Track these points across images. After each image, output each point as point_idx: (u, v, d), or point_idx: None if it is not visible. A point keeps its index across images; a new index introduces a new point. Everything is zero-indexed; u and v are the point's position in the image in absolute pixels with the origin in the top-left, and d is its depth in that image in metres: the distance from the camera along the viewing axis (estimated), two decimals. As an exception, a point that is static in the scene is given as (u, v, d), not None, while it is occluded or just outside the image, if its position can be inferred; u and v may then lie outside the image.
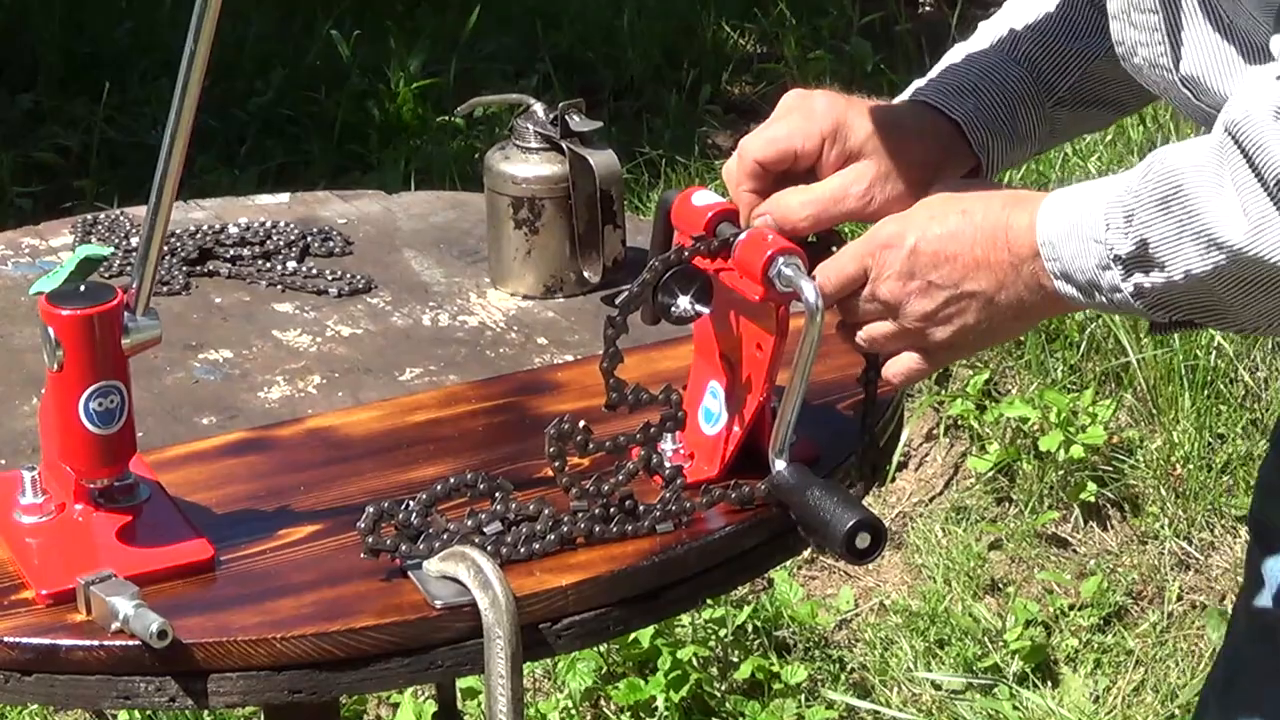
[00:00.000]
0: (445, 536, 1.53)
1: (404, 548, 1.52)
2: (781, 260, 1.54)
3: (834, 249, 1.63)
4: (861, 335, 1.57)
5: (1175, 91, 1.54)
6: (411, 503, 1.54)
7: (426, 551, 1.52)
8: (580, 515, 1.56)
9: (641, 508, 1.58)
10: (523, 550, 1.54)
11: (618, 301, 1.57)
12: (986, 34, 1.75)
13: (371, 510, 1.52)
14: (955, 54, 1.75)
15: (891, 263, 1.52)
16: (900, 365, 1.58)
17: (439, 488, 1.55)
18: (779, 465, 1.58)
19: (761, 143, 1.62)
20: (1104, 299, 1.47)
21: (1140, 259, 1.43)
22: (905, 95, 1.72)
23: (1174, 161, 1.41)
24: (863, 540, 1.51)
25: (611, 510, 1.57)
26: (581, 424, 1.57)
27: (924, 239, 1.52)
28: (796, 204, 1.59)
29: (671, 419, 1.61)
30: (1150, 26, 1.53)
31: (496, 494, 1.56)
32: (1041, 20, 1.72)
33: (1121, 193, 1.44)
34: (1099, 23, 1.64)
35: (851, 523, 1.51)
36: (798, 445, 1.60)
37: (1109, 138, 4.40)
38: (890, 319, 1.55)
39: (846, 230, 1.71)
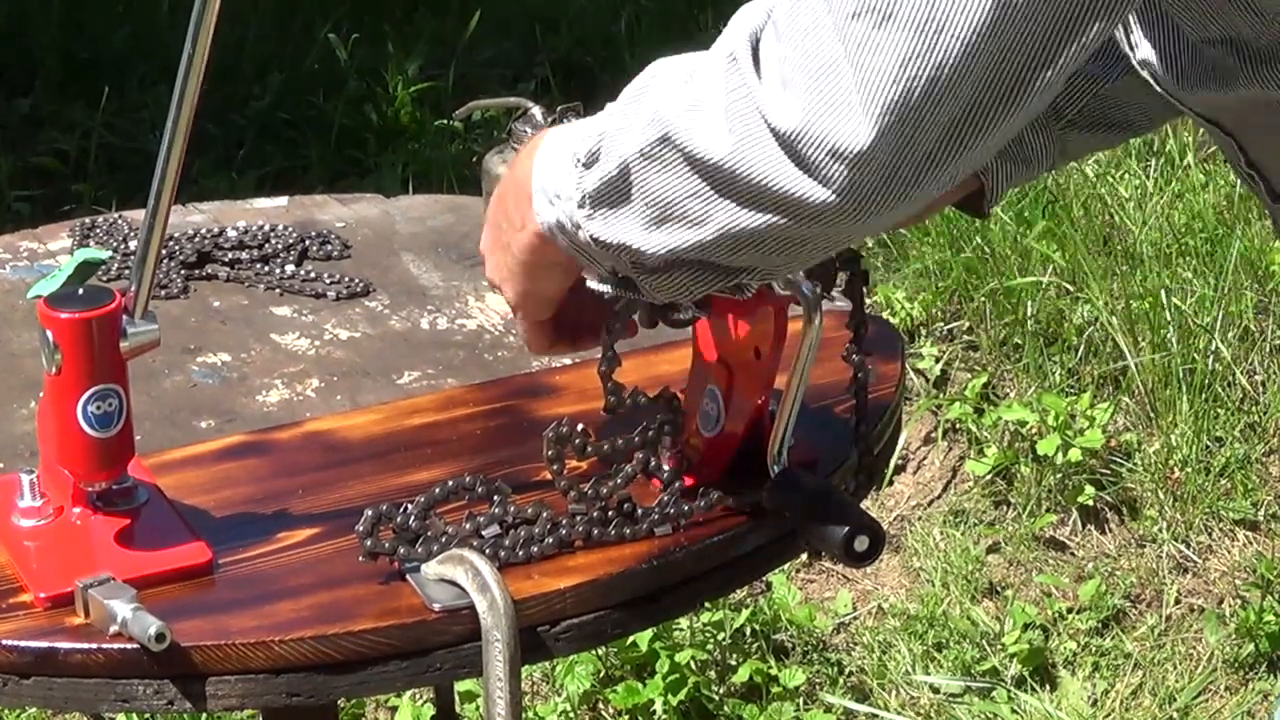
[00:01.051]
0: (443, 540, 1.53)
1: (402, 551, 1.52)
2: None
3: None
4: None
5: None
6: (410, 506, 1.54)
7: (425, 555, 1.52)
8: (578, 518, 1.57)
9: (640, 511, 1.58)
10: (521, 553, 1.54)
11: (615, 305, 1.57)
12: None
13: (370, 513, 1.52)
14: None
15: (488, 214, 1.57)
16: None
17: (437, 491, 1.55)
18: (777, 469, 1.58)
19: None
20: (564, 214, 1.44)
21: (593, 154, 1.41)
22: None
23: (657, 65, 1.41)
24: (861, 543, 1.51)
25: (610, 513, 1.57)
26: (580, 427, 1.58)
27: (500, 188, 1.54)
28: None
29: (670, 422, 1.62)
30: None
31: (495, 497, 1.56)
32: None
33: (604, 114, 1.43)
34: (1111, 45, 1.63)
35: (850, 526, 1.51)
36: (795, 448, 1.60)
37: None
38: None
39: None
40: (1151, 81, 1.54)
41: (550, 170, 1.46)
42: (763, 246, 1.36)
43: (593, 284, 1.49)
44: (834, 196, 1.29)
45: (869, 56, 1.26)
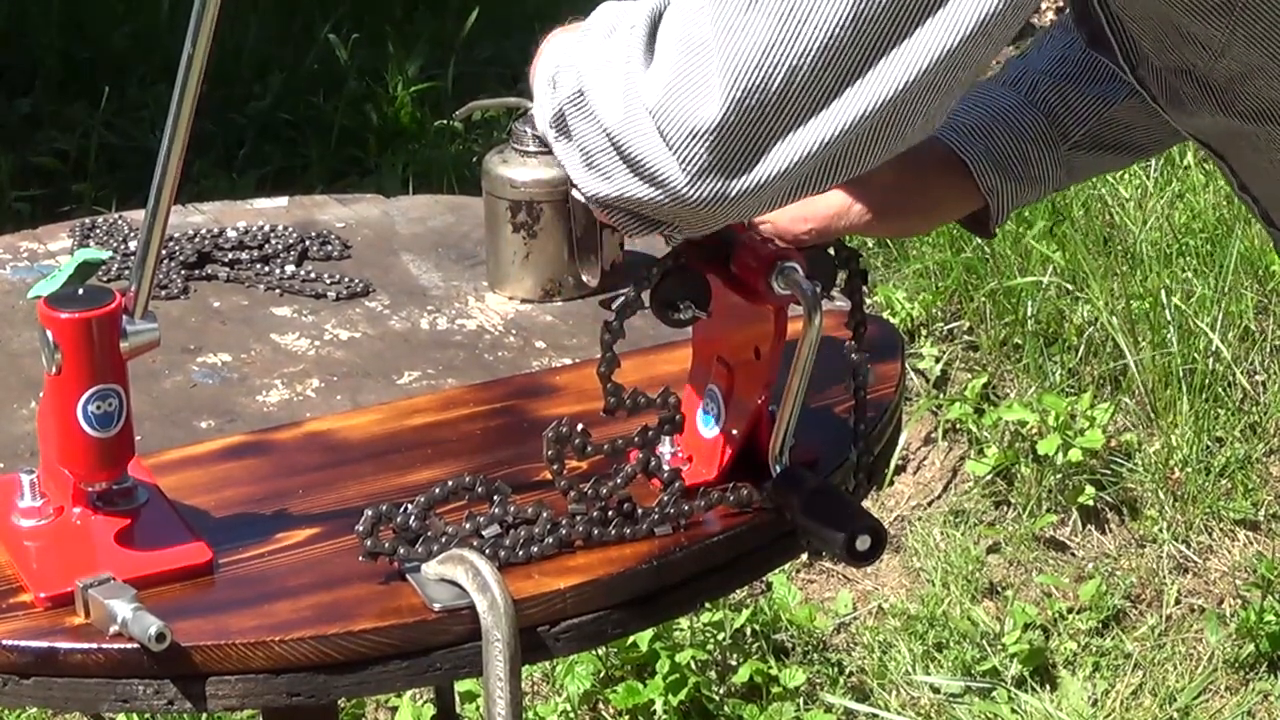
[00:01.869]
0: (443, 539, 1.53)
1: (402, 551, 1.52)
2: (781, 264, 1.54)
3: (831, 252, 1.63)
4: None
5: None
6: (410, 506, 1.54)
7: (425, 554, 1.52)
8: (578, 518, 1.57)
9: (640, 511, 1.58)
10: (521, 553, 1.54)
11: (614, 306, 1.57)
12: (1007, 73, 1.74)
13: (370, 513, 1.52)
14: (972, 95, 1.74)
15: None
16: None
17: (437, 491, 1.55)
18: (779, 468, 1.58)
19: None
20: (544, 129, 1.46)
21: (554, 82, 1.44)
22: None
23: (606, 6, 1.43)
24: (863, 543, 1.51)
25: (610, 513, 1.57)
26: (580, 427, 1.58)
27: None
28: (798, 216, 1.60)
29: (670, 422, 1.61)
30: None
31: (495, 497, 1.56)
32: (1061, 64, 1.71)
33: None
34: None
35: (851, 526, 1.51)
36: (796, 448, 1.60)
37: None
38: None
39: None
40: (1148, 98, 1.54)
41: (538, 77, 1.49)
42: (658, 213, 1.38)
43: (575, 193, 1.50)
44: (685, 178, 1.31)
45: (734, 38, 1.27)
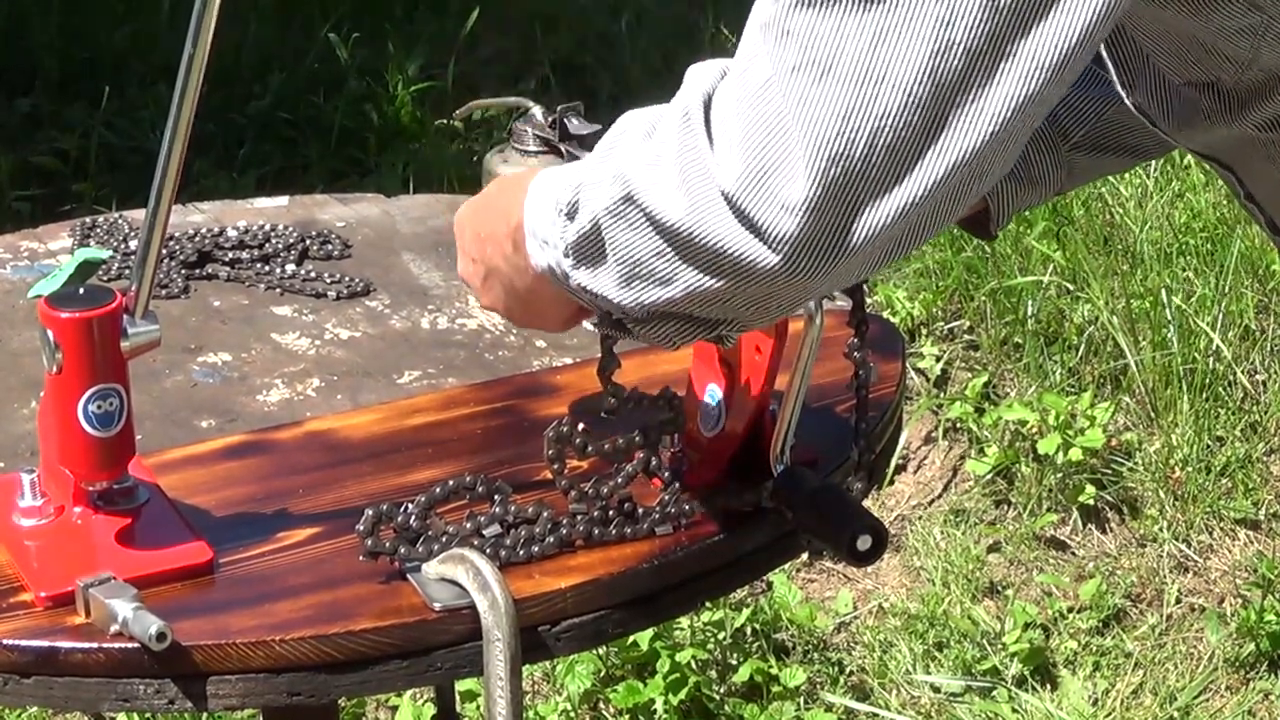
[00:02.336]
0: (444, 539, 1.53)
1: (403, 550, 1.52)
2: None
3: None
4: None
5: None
6: (410, 505, 1.54)
7: (425, 554, 1.52)
8: (579, 518, 1.57)
9: (640, 510, 1.58)
10: (521, 553, 1.54)
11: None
12: None
13: (370, 513, 1.52)
14: None
15: (460, 245, 1.62)
16: None
17: (438, 490, 1.55)
18: (780, 468, 1.58)
19: None
20: (553, 261, 1.43)
21: (573, 205, 1.40)
22: None
23: (629, 116, 1.40)
24: (864, 543, 1.51)
25: (610, 513, 1.57)
26: (580, 427, 1.58)
27: (462, 213, 1.59)
28: None
29: (670, 422, 1.62)
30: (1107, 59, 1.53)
31: (495, 496, 1.56)
32: None
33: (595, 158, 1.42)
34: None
35: (853, 525, 1.51)
36: (796, 447, 1.60)
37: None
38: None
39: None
40: (1147, 122, 1.54)
41: (538, 215, 1.45)
42: (731, 303, 1.34)
43: (588, 324, 1.48)
44: (779, 257, 1.27)
45: (810, 110, 1.24)
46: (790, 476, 1.57)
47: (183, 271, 2.05)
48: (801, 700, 3.09)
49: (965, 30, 1.21)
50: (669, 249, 1.32)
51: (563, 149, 1.97)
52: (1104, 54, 1.50)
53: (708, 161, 1.28)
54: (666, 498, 1.59)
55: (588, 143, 1.98)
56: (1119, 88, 1.55)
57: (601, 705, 3.07)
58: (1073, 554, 3.43)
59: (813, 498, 1.55)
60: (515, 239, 1.49)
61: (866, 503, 1.65)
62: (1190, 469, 3.49)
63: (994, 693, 3.13)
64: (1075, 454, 3.45)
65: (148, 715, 2.67)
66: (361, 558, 1.52)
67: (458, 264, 1.61)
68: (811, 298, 1.37)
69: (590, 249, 1.39)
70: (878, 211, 1.25)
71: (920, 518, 3.49)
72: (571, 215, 1.40)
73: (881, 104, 1.23)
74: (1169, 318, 3.68)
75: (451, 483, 1.55)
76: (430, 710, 2.95)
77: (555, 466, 1.58)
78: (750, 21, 1.29)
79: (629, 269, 1.36)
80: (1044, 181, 1.72)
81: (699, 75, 1.33)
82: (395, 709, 3.02)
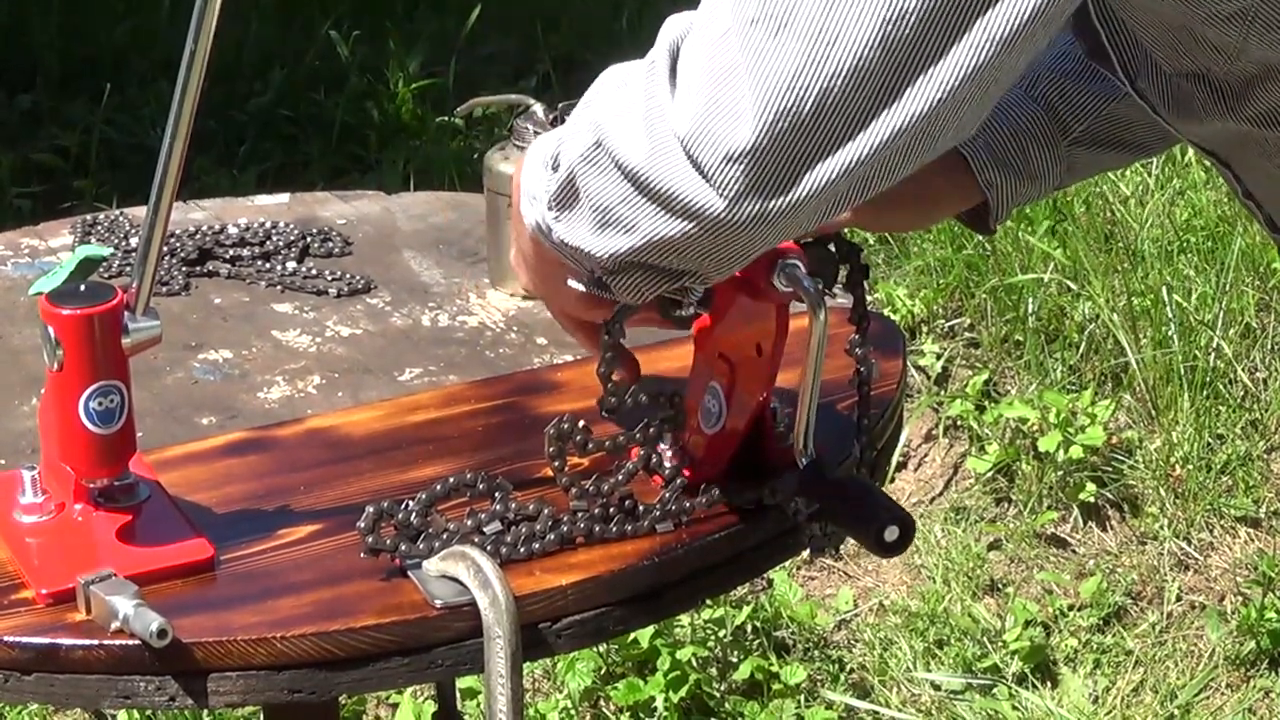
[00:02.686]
0: (445, 536, 1.53)
1: (404, 547, 1.52)
2: (782, 261, 1.54)
3: (832, 248, 1.63)
4: None
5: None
6: (411, 502, 1.54)
7: (426, 551, 1.52)
8: (580, 515, 1.57)
9: (641, 507, 1.58)
10: (522, 550, 1.54)
11: (614, 307, 1.57)
12: None
13: (371, 510, 1.52)
14: None
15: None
16: None
17: (439, 487, 1.55)
18: (804, 461, 1.58)
19: None
20: (540, 216, 1.46)
21: (555, 158, 1.43)
22: None
23: (611, 69, 1.43)
24: (891, 534, 1.51)
25: (611, 510, 1.57)
26: (581, 424, 1.58)
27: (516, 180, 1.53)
28: None
29: (671, 419, 1.62)
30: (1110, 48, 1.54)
31: (496, 494, 1.56)
32: (1061, 60, 1.71)
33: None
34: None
35: (880, 517, 1.51)
36: (791, 448, 1.60)
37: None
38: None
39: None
40: (1148, 109, 1.54)
41: (530, 172, 1.47)
42: (687, 253, 1.36)
43: (571, 282, 1.49)
44: (724, 203, 1.30)
45: (764, 62, 1.26)
46: (815, 468, 1.57)
47: (184, 269, 2.05)
48: (802, 698, 3.09)
49: None
50: (633, 193, 1.35)
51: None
52: (1105, 42, 1.51)
53: (666, 108, 1.31)
54: (667, 495, 1.59)
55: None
56: (1120, 75, 1.55)
57: (602, 703, 3.07)
58: (1073, 552, 3.43)
59: (839, 489, 1.55)
60: (517, 201, 1.52)
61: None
62: (1191, 467, 3.49)
63: (994, 690, 3.13)
64: (1076, 451, 3.45)
65: (149, 712, 2.67)
66: (362, 555, 1.52)
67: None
68: (759, 248, 1.38)
69: (567, 198, 1.41)
70: (823, 167, 1.28)
71: (921, 515, 3.49)
72: (555, 168, 1.42)
73: (833, 64, 1.25)
74: (1170, 315, 3.68)
75: (452, 480, 1.56)
76: (431, 707, 2.95)
77: (556, 463, 1.58)
78: None
79: (600, 216, 1.38)
80: (1043, 177, 1.72)
81: (670, 26, 1.36)
82: (396, 706, 3.03)
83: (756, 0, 1.27)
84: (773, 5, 1.26)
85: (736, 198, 1.29)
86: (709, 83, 1.29)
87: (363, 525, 1.51)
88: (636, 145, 1.33)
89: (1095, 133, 1.71)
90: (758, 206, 1.30)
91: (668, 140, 1.31)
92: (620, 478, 1.58)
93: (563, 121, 1.96)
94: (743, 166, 1.28)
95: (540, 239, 1.48)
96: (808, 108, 1.26)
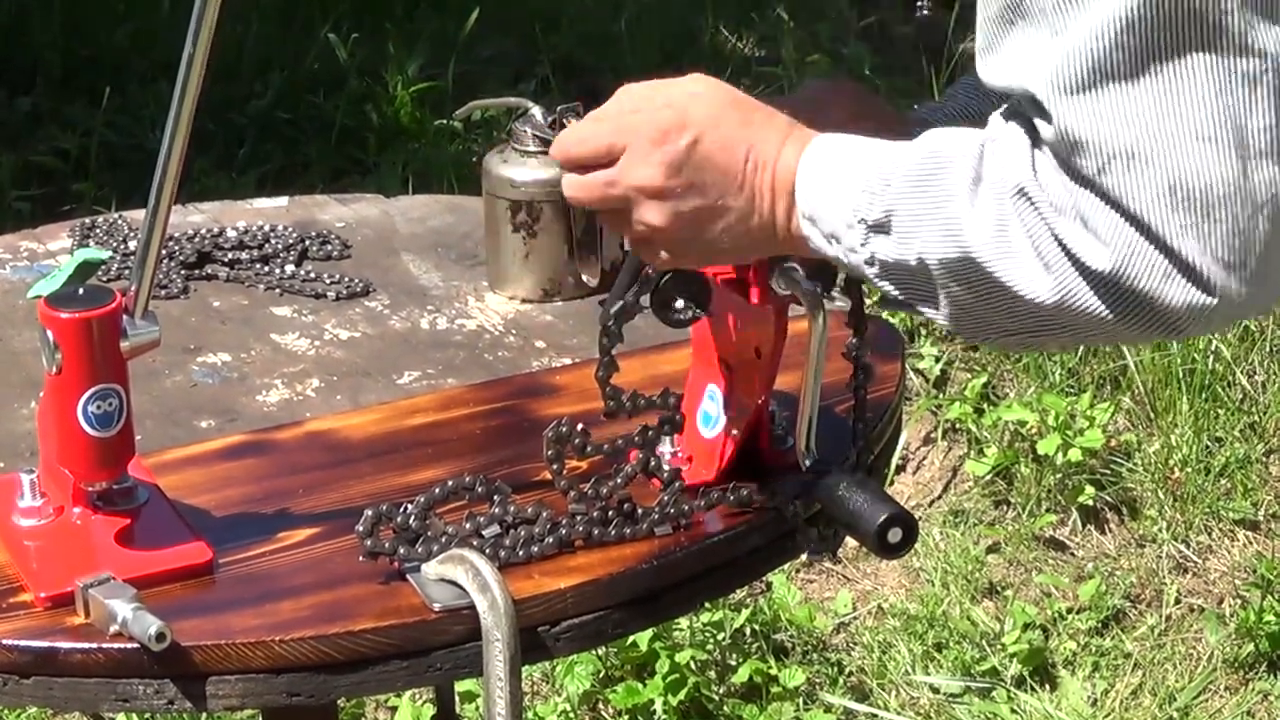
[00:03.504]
0: (444, 539, 1.53)
1: (402, 551, 1.52)
2: (781, 264, 1.54)
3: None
4: (586, 203, 1.52)
5: None
6: (410, 506, 1.54)
7: (425, 554, 1.52)
8: (579, 518, 1.57)
9: (640, 511, 1.58)
10: (521, 553, 1.54)
11: (613, 310, 1.57)
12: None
13: (370, 513, 1.52)
14: (960, 83, 1.74)
15: (663, 151, 1.47)
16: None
17: (437, 490, 1.55)
18: (808, 462, 1.58)
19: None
20: (840, 254, 1.45)
21: (883, 227, 1.42)
22: (913, 114, 1.72)
23: (942, 145, 1.41)
24: (895, 535, 1.52)
25: (610, 513, 1.57)
26: (579, 427, 1.58)
27: (707, 139, 1.46)
28: None
29: (669, 422, 1.62)
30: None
31: (495, 497, 1.56)
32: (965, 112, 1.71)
33: (885, 159, 1.43)
34: None
35: (883, 517, 1.51)
36: (790, 450, 1.60)
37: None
38: (632, 204, 1.49)
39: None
40: None
41: (825, 202, 1.45)
42: (1077, 336, 1.40)
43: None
44: (1213, 302, 1.33)
45: (1146, 194, 1.31)
46: (820, 469, 1.57)
47: (182, 272, 2.05)
48: (801, 701, 3.09)
49: (1233, 56, 1.28)
50: (1025, 313, 1.37)
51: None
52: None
53: (1076, 247, 1.33)
54: (666, 498, 1.59)
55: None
56: None
57: (601, 706, 3.07)
58: (1072, 554, 3.43)
59: (844, 490, 1.55)
60: (775, 190, 1.47)
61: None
62: (1189, 470, 3.49)
63: (993, 693, 3.13)
64: (1074, 454, 3.45)
65: (147, 715, 2.67)
66: (361, 558, 1.52)
67: (641, 171, 1.47)
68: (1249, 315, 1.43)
69: (911, 279, 1.42)
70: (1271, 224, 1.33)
71: (920, 518, 3.49)
72: (879, 230, 1.42)
73: (1194, 160, 1.29)
74: (1168, 318, 3.67)
75: (451, 483, 1.56)
76: (429, 711, 2.95)
77: (554, 467, 1.58)
78: (1035, 79, 1.32)
79: (963, 312, 1.41)
80: None
81: (1013, 134, 1.36)
82: (394, 709, 3.02)
83: (1093, 139, 1.30)
84: (1114, 141, 1.30)
85: (1228, 310, 1.34)
86: (1115, 227, 1.32)
87: (361, 528, 1.51)
88: (1036, 279, 1.35)
89: None
90: (1252, 293, 1.34)
91: (1077, 278, 1.34)
92: (619, 481, 1.58)
93: (562, 125, 1.97)
94: (1222, 286, 1.32)
95: (819, 254, 1.47)
96: (1210, 210, 1.31)
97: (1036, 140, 1.34)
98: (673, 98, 1.49)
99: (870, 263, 1.43)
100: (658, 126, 1.47)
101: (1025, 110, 1.35)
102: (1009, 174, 1.35)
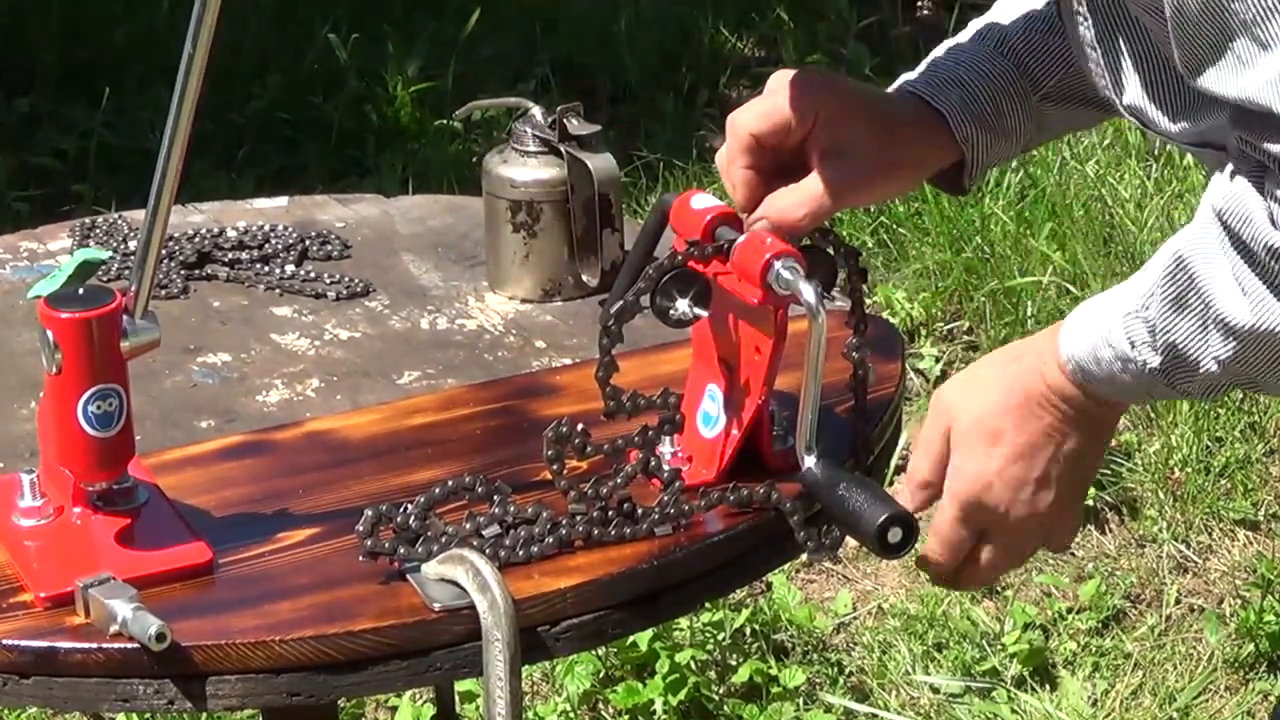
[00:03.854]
0: (444, 539, 1.53)
1: (402, 551, 1.52)
2: (779, 263, 1.54)
3: (830, 250, 1.63)
4: (983, 577, 1.61)
5: (1128, 119, 1.56)
6: (410, 506, 1.54)
7: (425, 555, 1.52)
8: (579, 518, 1.56)
9: (640, 511, 1.58)
10: (521, 553, 1.54)
11: (613, 310, 1.57)
12: (975, 29, 1.75)
13: (370, 513, 1.52)
14: (943, 49, 1.75)
15: (1000, 500, 1.55)
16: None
17: (438, 490, 1.55)
18: (809, 461, 1.58)
19: (754, 116, 1.60)
20: (1158, 398, 1.52)
21: (1175, 363, 1.46)
22: (893, 89, 1.72)
23: (1178, 250, 1.44)
24: (895, 535, 1.51)
25: (610, 513, 1.57)
26: (580, 427, 1.57)
27: (1002, 458, 1.54)
28: (792, 203, 1.59)
29: (669, 422, 1.61)
30: (1094, 60, 1.54)
31: (495, 497, 1.56)
32: (1029, 17, 1.72)
33: (1136, 306, 1.47)
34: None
35: (883, 517, 1.51)
36: (789, 450, 1.60)
37: (1107, 141, 4.40)
38: (1007, 546, 1.58)
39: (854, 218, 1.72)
40: (1137, 122, 1.55)
41: (1106, 378, 1.49)
42: None
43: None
44: None
45: None
46: (820, 469, 1.57)
47: (182, 272, 2.05)
48: (801, 701, 3.09)
49: None
50: None
51: (562, 149, 1.97)
52: (1097, 62, 1.51)
53: None
54: (666, 498, 1.59)
55: (587, 143, 1.98)
56: (1108, 93, 1.55)
57: (601, 706, 3.07)
58: (1072, 554, 3.43)
59: (844, 489, 1.55)
60: (1070, 407, 1.52)
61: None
62: (1190, 470, 3.49)
63: (993, 693, 3.13)
64: (1075, 455, 3.44)
65: (147, 715, 2.67)
66: (361, 558, 1.52)
67: (1000, 524, 1.58)
68: None
69: (1207, 382, 1.46)
70: None
71: (920, 519, 3.49)
72: (1170, 371, 1.46)
73: None
74: (1168, 318, 3.67)
75: (451, 483, 1.55)
76: (430, 711, 2.95)
77: (555, 467, 1.58)
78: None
79: (1248, 381, 1.46)
80: (1015, 133, 1.72)
81: (1241, 204, 1.40)
82: (395, 709, 3.02)
83: None
84: None
85: None
86: None
87: (361, 529, 1.51)
88: None
89: (1065, 88, 1.71)
90: None
91: None
92: (619, 481, 1.58)
93: (561, 126, 1.97)
94: None
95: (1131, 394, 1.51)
96: None
97: (1264, 187, 1.37)
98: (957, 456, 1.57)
99: (1186, 393, 1.48)
100: (968, 500, 1.57)
101: (1251, 136, 1.37)
102: (1259, 239, 1.38)
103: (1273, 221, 1.37)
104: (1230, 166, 1.42)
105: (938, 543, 1.59)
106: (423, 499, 1.54)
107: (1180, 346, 1.45)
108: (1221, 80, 1.38)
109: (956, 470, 1.56)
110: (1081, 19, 1.54)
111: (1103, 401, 1.52)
